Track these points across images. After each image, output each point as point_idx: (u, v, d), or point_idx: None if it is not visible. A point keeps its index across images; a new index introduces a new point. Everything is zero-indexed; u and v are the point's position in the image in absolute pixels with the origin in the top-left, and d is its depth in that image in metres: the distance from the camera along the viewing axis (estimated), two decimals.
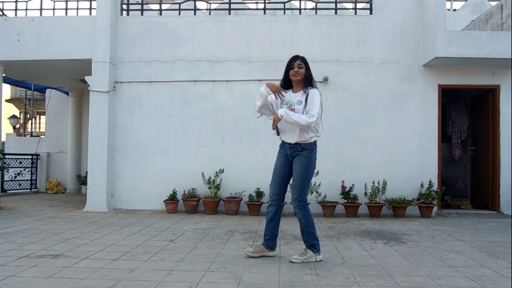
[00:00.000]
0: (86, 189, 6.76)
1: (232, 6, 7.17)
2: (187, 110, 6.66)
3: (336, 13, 6.93)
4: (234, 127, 6.60)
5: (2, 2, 7.62)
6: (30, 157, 9.84)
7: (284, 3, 7.18)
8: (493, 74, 6.47)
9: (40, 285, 2.75)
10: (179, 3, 7.35)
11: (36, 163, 9.96)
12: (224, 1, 9.21)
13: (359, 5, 7.34)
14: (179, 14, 7.34)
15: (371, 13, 6.78)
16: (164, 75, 6.69)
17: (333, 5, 7.04)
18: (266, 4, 7.61)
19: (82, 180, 9.16)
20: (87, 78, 6.64)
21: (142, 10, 7.36)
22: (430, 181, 6.22)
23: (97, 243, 4.07)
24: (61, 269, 3.12)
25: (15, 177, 9.33)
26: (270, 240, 3.56)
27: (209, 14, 8.39)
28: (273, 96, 3.46)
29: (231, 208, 6.21)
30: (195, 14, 7.53)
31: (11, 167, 9.06)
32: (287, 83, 3.53)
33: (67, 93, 10.16)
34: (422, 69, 6.48)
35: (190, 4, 7.74)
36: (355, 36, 6.57)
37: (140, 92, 6.72)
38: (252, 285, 2.78)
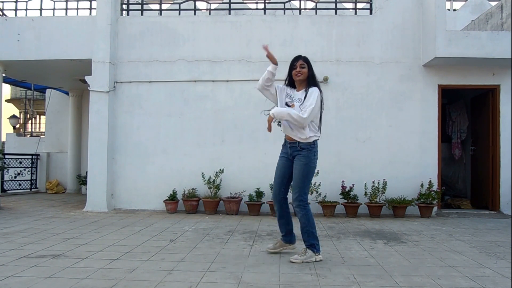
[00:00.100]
0: (86, 189, 6.76)
1: (232, 6, 7.17)
2: (187, 110, 6.66)
3: (336, 13, 6.93)
4: (234, 127, 6.60)
5: (2, 2, 7.63)
6: (30, 157, 9.84)
7: (284, 3, 7.18)
8: (493, 74, 6.47)
9: (40, 285, 2.75)
10: (179, 3, 7.35)
11: (36, 163, 9.96)
12: (224, 1, 9.21)
13: (359, 5, 7.34)
14: (179, 14, 7.34)
15: (371, 13, 6.78)
16: (164, 75, 6.69)
17: (333, 5, 7.04)
18: (266, 4, 7.61)
19: (82, 180, 9.16)
20: (87, 78, 6.64)
21: (142, 10, 7.36)
22: (430, 181, 6.22)
23: (97, 243, 4.07)
24: (61, 269, 3.12)
25: (15, 177, 9.33)
26: (287, 235, 3.69)
27: (209, 14, 8.39)
28: (280, 85, 3.55)
29: (231, 208, 6.21)
30: (195, 14, 7.53)
31: (11, 167, 9.06)
32: (291, 83, 3.58)
33: (67, 93, 10.16)
34: (422, 69, 6.48)
35: (190, 4, 7.74)
36: (355, 36, 6.57)
37: (140, 92, 6.72)
38: (252, 285, 2.78)
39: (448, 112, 8.07)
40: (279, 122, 3.54)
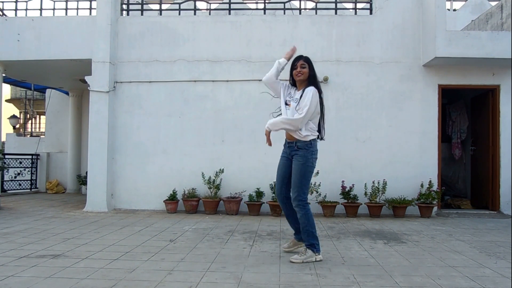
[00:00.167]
0: (86, 189, 6.76)
1: (232, 6, 7.17)
2: (187, 110, 6.66)
3: (336, 13, 6.93)
4: (234, 127, 6.60)
5: (2, 2, 7.63)
6: (30, 157, 9.84)
7: (284, 3, 7.18)
8: (493, 74, 6.47)
9: (40, 285, 2.75)
10: (179, 3, 7.35)
11: (36, 163, 9.96)
12: (224, 1, 9.21)
13: (359, 5, 7.34)
14: (179, 14, 7.34)
15: (371, 13, 6.78)
16: (164, 75, 6.69)
17: (333, 5, 7.03)
18: (266, 4, 7.61)
19: (82, 180, 9.16)
20: (87, 78, 6.64)
21: (142, 10, 7.36)
22: (430, 181, 6.22)
23: (97, 243, 4.07)
24: (61, 269, 3.12)
25: (15, 177, 9.33)
26: (298, 233, 3.68)
27: (209, 14, 8.39)
28: (286, 83, 3.58)
29: (231, 208, 6.21)
30: (195, 14, 7.53)
31: (11, 167, 9.06)
32: (294, 82, 3.60)
33: (67, 93, 10.16)
34: (422, 69, 6.48)
35: (190, 4, 7.74)
36: (355, 36, 6.57)
37: (140, 92, 6.72)
38: (252, 285, 2.78)
39: (448, 112, 8.07)
40: None
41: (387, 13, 6.55)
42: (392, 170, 6.39)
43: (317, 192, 6.12)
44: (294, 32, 6.61)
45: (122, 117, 6.71)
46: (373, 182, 6.21)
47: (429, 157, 6.43)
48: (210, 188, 6.34)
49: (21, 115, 22.82)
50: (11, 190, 9.15)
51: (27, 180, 9.66)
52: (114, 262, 3.37)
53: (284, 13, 7.24)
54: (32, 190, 9.72)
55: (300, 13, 7.50)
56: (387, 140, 6.47)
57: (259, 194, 6.27)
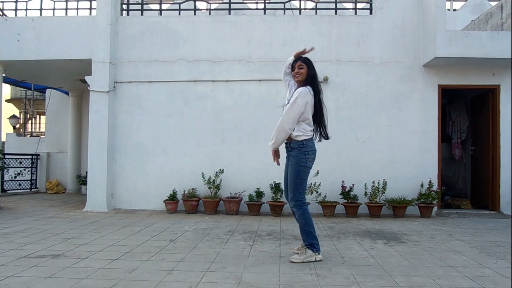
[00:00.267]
0: (86, 189, 6.76)
1: (232, 6, 7.17)
2: (187, 110, 6.66)
3: (336, 13, 6.93)
4: (234, 127, 6.60)
5: (2, 2, 7.63)
6: (30, 157, 9.84)
7: (284, 3, 7.18)
8: (493, 74, 6.47)
9: (40, 285, 2.75)
10: (179, 3, 7.35)
11: (36, 163, 9.96)
12: (224, 1, 9.21)
13: (359, 5, 7.34)
14: (179, 14, 7.34)
15: (371, 13, 6.78)
16: (164, 75, 6.69)
17: (333, 5, 7.04)
18: (266, 4, 7.61)
19: (82, 180, 9.16)
20: (87, 78, 6.64)
21: (142, 10, 7.36)
22: (430, 181, 6.22)
23: (97, 243, 4.07)
24: (61, 269, 3.12)
25: (15, 177, 9.33)
26: None
27: (209, 14, 8.40)
28: (293, 83, 3.59)
29: (231, 208, 6.21)
30: (195, 14, 7.53)
31: (11, 167, 9.06)
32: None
33: (67, 93, 10.17)
34: (422, 69, 6.48)
35: (190, 4, 7.74)
36: (355, 36, 6.57)
37: (140, 92, 6.72)
38: (252, 285, 2.78)
39: (448, 112, 8.07)
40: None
41: (387, 13, 6.55)
42: (392, 170, 6.39)
43: (317, 192, 6.12)
44: (294, 32, 6.61)
45: (122, 117, 6.71)
46: (373, 182, 6.21)
47: (429, 157, 6.43)
48: (210, 188, 6.34)
49: (21, 115, 22.82)
50: (11, 190, 9.15)
51: (27, 180, 9.66)
52: (114, 262, 3.37)
53: (284, 13, 7.24)
54: (32, 190, 9.72)
55: (300, 13, 7.50)
56: (387, 140, 6.47)
57: (259, 194, 6.27)
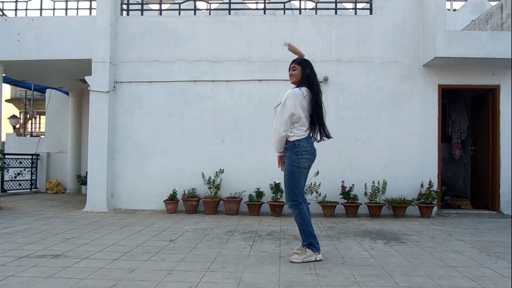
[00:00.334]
0: (86, 189, 6.76)
1: (232, 6, 7.17)
2: (187, 110, 6.66)
3: (336, 13, 6.93)
4: (234, 127, 6.60)
5: (2, 2, 7.63)
6: (30, 157, 9.84)
7: (284, 3, 7.18)
8: (493, 74, 6.47)
9: (40, 285, 2.75)
10: (179, 3, 7.35)
11: (36, 163, 9.96)
12: (224, 1, 9.21)
13: (359, 5, 7.34)
14: (179, 14, 7.34)
15: (371, 13, 6.78)
16: (164, 75, 6.69)
17: (333, 5, 7.04)
18: (266, 4, 7.61)
19: (82, 180, 9.16)
20: (87, 78, 6.64)
21: (142, 10, 7.36)
22: (430, 181, 6.22)
23: (97, 243, 4.07)
24: (61, 269, 3.12)
25: (15, 177, 9.33)
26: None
27: (209, 14, 8.40)
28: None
29: (231, 208, 6.21)
30: (195, 14, 7.53)
31: (11, 167, 9.06)
32: None
33: (67, 93, 10.17)
34: (422, 69, 6.48)
35: (190, 4, 7.74)
36: (355, 36, 6.57)
37: (140, 92, 6.72)
38: (252, 285, 2.78)
39: (448, 112, 8.07)
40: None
41: (387, 13, 6.55)
42: (392, 170, 6.39)
43: (317, 192, 6.12)
44: (294, 32, 6.61)
45: (122, 117, 6.71)
46: (373, 182, 6.21)
47: (429, 157, 6.43)
48: (210, 188, 6.34)
49: (21, 115, 22.82)
50: (11, 190, 9.15)
51: (27, 180, 9.66)
52: (114, 262, 3.37)
53: (284, 13, 7.24)
54: (32, 190, 9.72)
55: (300, 13, 7.50)
56: (387, 140, 6.47)
57: (259, 194, 6.27)
